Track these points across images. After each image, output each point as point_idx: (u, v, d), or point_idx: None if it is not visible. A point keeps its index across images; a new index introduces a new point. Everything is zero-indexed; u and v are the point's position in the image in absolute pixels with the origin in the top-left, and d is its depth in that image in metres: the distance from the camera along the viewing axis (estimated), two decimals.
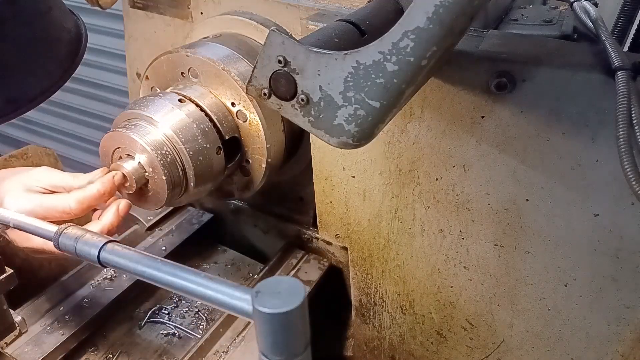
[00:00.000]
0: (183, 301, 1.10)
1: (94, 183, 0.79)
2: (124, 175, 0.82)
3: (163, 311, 1.07)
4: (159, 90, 0.99)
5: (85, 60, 0.74)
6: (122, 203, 0.82)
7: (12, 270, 0.82)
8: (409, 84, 0.53)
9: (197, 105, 0.90)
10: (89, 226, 0.77)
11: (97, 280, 1.05)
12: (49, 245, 0.65)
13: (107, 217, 0.80)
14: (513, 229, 0.80)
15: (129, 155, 0.84)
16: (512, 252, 0.82)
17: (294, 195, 1.17)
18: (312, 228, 1.13)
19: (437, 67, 0.72)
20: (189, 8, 1.10)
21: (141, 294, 1.09)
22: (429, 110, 0.78)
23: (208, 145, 0.88)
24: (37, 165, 1.40)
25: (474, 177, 0.80)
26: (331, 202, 0.99)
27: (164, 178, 0.82)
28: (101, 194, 0.78)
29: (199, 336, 0.99)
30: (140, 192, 0.85)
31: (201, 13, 1.09)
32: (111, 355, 0.97)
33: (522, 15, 1.06)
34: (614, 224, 0.72)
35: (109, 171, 0.82)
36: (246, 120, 0.93)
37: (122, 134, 0.83)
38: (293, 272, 1.10)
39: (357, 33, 0.68)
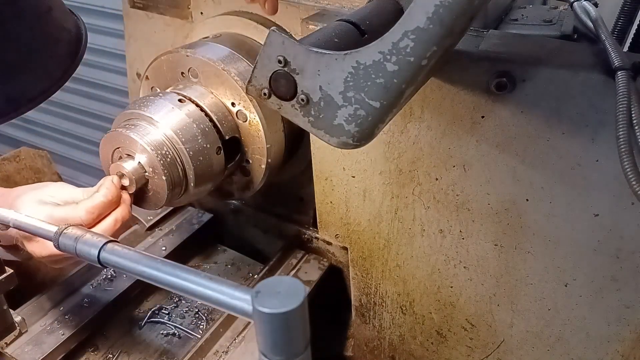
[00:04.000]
0: (183, 301, 1.10)
1: (99, 191, 0.79)
2: (123, 175, 0.82)
3: (163, 311, 1.07)
4: (159, 90, 0.99)
5: (85, 60, 0.73)
6: (124, 194, 0.82)
7: (12, 270, 0.82)
8: (409, 84, 0.53)
9: (197, 105, 0.90)
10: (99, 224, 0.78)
11: (97, 280, 1.05)
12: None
13: (106, 223, 0.79)
14: (513, 229, 0.80)
15: (129, 155, 0.84)
16: (512, 252, 0.82)
17: (294, 195, 1.17)
18: (312, 228, 1.13)
19: (437, 67, 0.72)
20: (189, 8, 1.10)
21: (141, 294, 1.09)
22: (429, 110, 0.78)
23: (208, 145, 0.87)
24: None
25: (474, 177, 0.80)
26: (331, 202, 0.99)
27: (164, 178, 0.82)
28: (108, 200, 0.78)
29: (199, 336, 0.99)
30: (140, 192, 0.85)
31: (201, 13, 1.09)
32: (111, 355, 0.97)
33: (522, 15, 1.06)
34: (614, 224, 0.72)
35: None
36: (246, 120, 0.93)
37: (122, 134, 0.83)
38: (293, 272, 1.10)
39: (357, 33, 0.68)
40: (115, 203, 0.80)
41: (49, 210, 0.77)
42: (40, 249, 0.77)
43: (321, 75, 0.56)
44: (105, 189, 0.79)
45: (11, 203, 0.79)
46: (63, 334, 0.93)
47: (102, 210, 0.78)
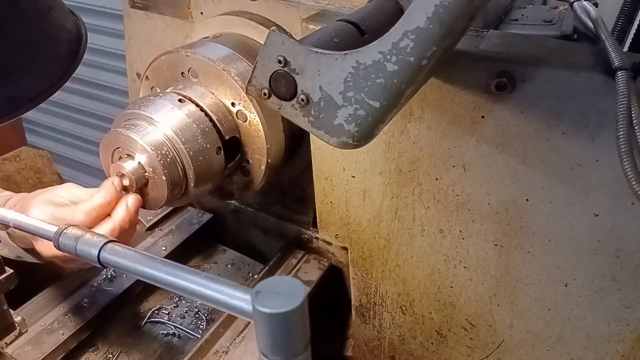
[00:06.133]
0: (183, 301, 1.10)
1: (98, 192, 0.79)
2: (123, 176, 0.82)
3: (163, 311, 1.07)
4: (159, 90, 0.99)
5: (85, 60, 0.74)
6: (130, 198, 0.82)
7: (12, 270, 0.81)
8: (409, 84, 0.53)
9: (197, 105, 0.90)
10: (99, 226, 0.78)
11: (97, 280, 1.05)
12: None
13: (118, 214, 0.80)
14: (513, 229, 0.80)
15: (129, 155, 0.84)
16: (512, 252, 0.82)
17: (294, 195, 1.17)
18: (312, 228, 1.13)
19: (437, 67, 0.72)
20: (189, 8, 1.10)
21: (141, 294, 1.09)
22: (429, 110, 0.78)
23: (208, 145, 0.87)
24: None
25: (474, 177, 0.80)
26: (331, 202, 0.99)
27: (164, 178, 0.82)
28: (107, 202, 0.79)
29: (199, 336, 0.99)
30: (140, 192, 0.85)
31: (201, 13, 1.09)
32: (111, 355, 0.97)
33: (522, 15, 1.06)
34: (614, 224, 0.72)
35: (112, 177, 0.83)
36: (246, 120, 0.93)
37: (122, 134, 0.83)
38: (293, 272, 1.10)
39: (357, 33, 0.68)
40: (114, 204, 0.80)
41: (51, 211, 0.78)
42: (47, 248, 0.78)
43: (321, 75, 0.56)
44: (104, 191, 0.80)
45: (27, 206, 0.80)
46: (63, 334, 0.92)
47: (100, 211, 0.78)
